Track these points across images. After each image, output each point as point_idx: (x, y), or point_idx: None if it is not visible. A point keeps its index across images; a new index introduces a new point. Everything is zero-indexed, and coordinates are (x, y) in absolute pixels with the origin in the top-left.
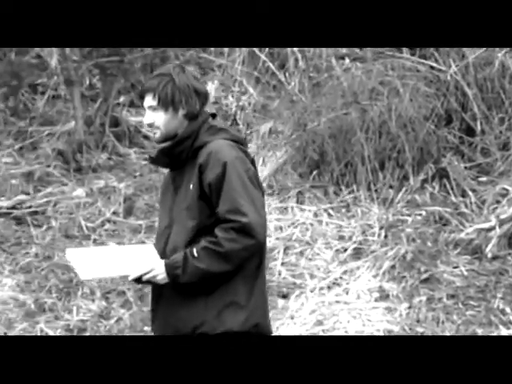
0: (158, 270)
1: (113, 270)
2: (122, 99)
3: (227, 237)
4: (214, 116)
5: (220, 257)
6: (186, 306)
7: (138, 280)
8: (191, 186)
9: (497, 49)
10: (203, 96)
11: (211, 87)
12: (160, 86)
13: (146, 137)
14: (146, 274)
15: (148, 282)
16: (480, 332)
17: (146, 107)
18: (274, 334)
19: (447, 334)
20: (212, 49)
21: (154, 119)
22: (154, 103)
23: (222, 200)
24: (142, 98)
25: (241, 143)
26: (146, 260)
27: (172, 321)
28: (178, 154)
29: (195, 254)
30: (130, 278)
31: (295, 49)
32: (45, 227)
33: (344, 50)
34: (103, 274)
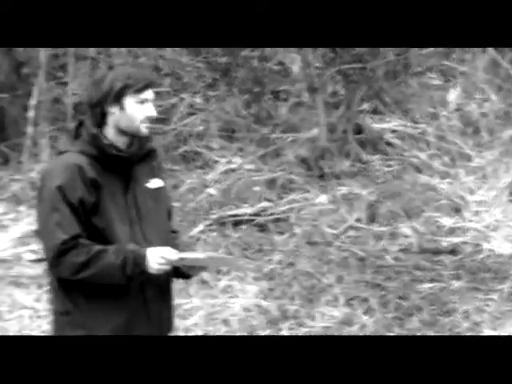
0: None
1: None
2: (365, 106)
3: None
4: None
5: None
6: (168, 308)
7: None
8: (154, 185)
9: None
10: None
11: (454, 94)
12: None
13: (389, 143)
14: None
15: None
16: None
17: (149, 100)
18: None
19: None
20: (454, 56)
21: None
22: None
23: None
24: (144, 89)
25: None
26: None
27: (158, 322)
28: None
29: None
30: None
31: None
32: (288, 234)
33: None
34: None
